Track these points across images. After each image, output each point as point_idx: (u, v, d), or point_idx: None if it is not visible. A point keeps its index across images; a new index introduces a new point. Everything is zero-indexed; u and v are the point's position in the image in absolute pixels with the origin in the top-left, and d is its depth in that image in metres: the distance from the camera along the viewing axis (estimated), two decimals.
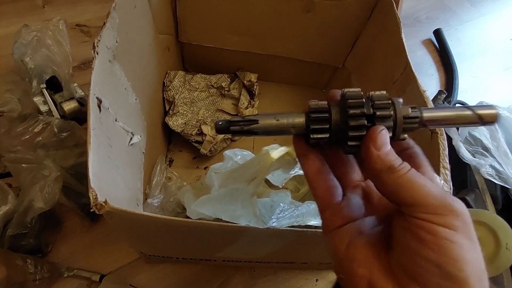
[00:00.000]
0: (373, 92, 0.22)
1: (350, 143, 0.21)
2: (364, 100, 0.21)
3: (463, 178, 0.55)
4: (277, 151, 0.30)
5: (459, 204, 0.19)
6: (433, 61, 0.87)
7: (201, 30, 0.58)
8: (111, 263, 0.48)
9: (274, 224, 0.28)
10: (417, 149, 0.23)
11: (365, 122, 0.21)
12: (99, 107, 0.32)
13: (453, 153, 0.54)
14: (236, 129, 0.22)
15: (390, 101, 0.21)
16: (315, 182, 0.22)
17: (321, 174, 0.22)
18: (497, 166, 0.52)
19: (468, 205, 0.51)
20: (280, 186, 0.38)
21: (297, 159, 0.33)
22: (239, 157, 0.36)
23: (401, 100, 0.22)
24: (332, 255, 0.22)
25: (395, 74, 0.47)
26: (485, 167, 0.51)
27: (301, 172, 0.39)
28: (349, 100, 0.21)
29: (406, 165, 0.20)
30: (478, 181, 0.53)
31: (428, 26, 0.93)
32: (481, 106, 0.22)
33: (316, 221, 0.31)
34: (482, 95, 0.82)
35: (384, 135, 0.20)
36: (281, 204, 0.29)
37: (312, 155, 0.23)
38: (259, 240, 0.29)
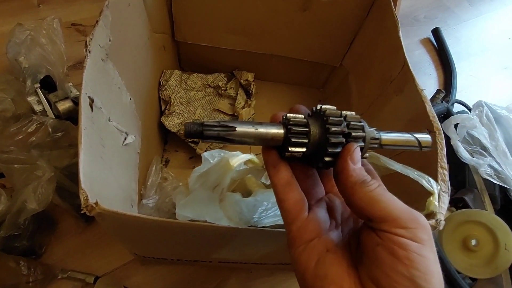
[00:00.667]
0: (345, 112, 0.23)
1: (326, 158, 0.22)
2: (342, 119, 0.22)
3: (462, 178, 0.55)
4: (237, 159, 0.30)
5: (423, 217, 0.20)
6: (431, 60, 0.87)
7: (197, 29, 0.57)
8: (106, 265, 0.47)
9: (255, 224, 0.27)
10: (371, 167, 0.25)
11: (344, 140, 0.22)
12: (91, 106, 0.31)
13: (452, 152, 0.53)
14: (211, 134, 0.20)
15: (362, 123, 0.23)
16: (284, 195, 0.22)
17: (290, 186, 0.22)
18: (496, 166, 0.51)
19: (467, 205, 0.51)
20: (267, 184, 0.37)
21: (257, 167, 0.33)
22: (216, 159, 0.36)
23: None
24: (300, 273, 0.21)
25: (392, 73, 0.46)
26: (483, 167, 0.51)
27: None
28: (331, 118, 0.22)
29: (375, 181, 0.21)
30: (477, 181, 0.53)
31: (426, 25, 0.93)
32: (421, 134, 0.25)
33: None
34: (480, 94, 0.82)
35: (358, 152, 0.22)
36: (264, 203, 0.28)
37: (282, 167, 0.22)
38: (253, 240, 0.29)
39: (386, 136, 0.24)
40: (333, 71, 0.67)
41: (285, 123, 0.22)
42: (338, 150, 0.22)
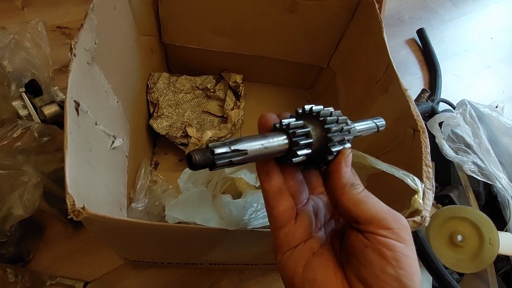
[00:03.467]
0: (331, 109, 0.23)
1: (329, 157, 0.22)
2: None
3: (447, 175, 0.56)
4: None
5: (403, 218, 0.21)
6: (416, 60, 0.89)
7: (184, 31, 0.57)
8: (96, 270, 0.47)
9: (244, 225, 0.27)
10: (354, 171, 0.25)
11: (343, 138, 0.22)
12: (77, 110, 0.31)
13: (437, 150, 0.54)
14: (224, 163, 0.19)
15: (347, 118, 0.24)
16: (275, 202, 0.22)
17: (281, 193, 0.22)
18: (480, 162, 0.53)
19: (452, 202, 0.52)
20: (256, 186, 0.37)
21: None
22: None
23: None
24: (289, 279, 0.22)
25: (378, 74, 0.47)
26: (467, 164, 0.52)
27: None
28: (328, 118, 0.22)
29: (361, 184, 0.22)
30: (461, 178, 0.54)
31: (411, 26, 0.95)
32: (378, 119, 0.28)
33: None
34: (464, 93, 0.84)
35: (351, 156, 0.22)
36: (254, 204, 0.29)
37: (274, 174, 0.22)
38: (243, 241, 0.29)
39: (359, 126, 0.26)
40: (320, 72, 0.68)
41: (284, 129, 0.22)
42: (340, 148, 0.22)
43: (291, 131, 0.21)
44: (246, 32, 0.58)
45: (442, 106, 0.75)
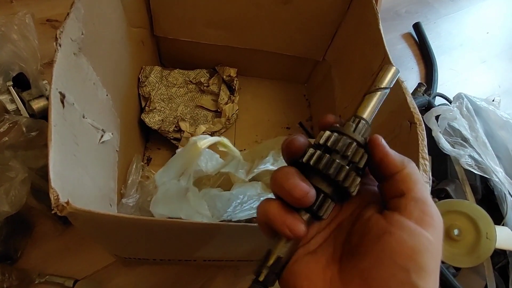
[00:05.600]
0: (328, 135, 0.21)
1: (353, 189, 0.20)
2: (328, 156, 0.20)
3: (444, 169, 0.55)
4: (205, 141, 0.29)
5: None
6: (412, 54, 0.88)
7: (177, 23, 0.56)
8: (86, 268, 0.46)
9: (228, 218, 0.27)
10: None
11: (347, 167, 0.20)
12: (62, 102, 0.30)
13: (433, 144, 0.54)
14: (272, 278, 0.20)
15: (353, 147, 0.21)
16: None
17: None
18: (476, 156, 0.52)
19: (449, 196, 0.51)
20: (247, 180, 0.36)
21: (232, 153, 0.32)
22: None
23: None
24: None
25: (373, 66, 0.46)
26: (464, 158, 0.51)
27: (271, 167, 0.38)
28: (330, 170, 0.20)
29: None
30: (458, 172, 0.54)
31: (407, 20, 0.94)
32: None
33: None
34: (460, 87, 0.83)
35: (382, 139, 0.21)
36: (240, 196, 0.28)
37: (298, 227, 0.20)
38: (235, 236, 0.28)
39: (369, 115, 0.22)
40: (316, 66, 0.67)
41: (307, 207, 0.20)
42: (356, 184, 0.20)
43: (313, 205, 0.20)
44: (240, 24, 0.57)
45: (438, 100, 0.75)
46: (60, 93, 0.30)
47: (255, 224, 0.26)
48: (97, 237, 0.32)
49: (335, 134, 0.21)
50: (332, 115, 0.23)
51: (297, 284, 0.20)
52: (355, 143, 0.21)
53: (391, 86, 0.22)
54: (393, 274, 0.17)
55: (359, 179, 0.20)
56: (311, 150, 0.21)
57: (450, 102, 0.71)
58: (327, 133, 0.21)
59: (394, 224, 0.18)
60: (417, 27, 0.91)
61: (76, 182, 0.30)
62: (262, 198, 0.33)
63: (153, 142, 0.59)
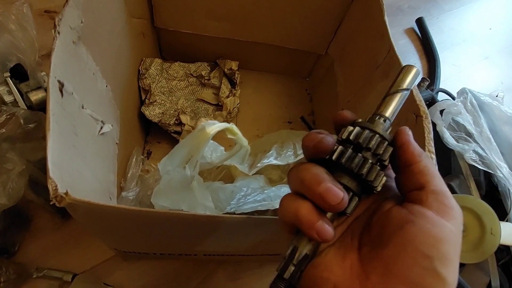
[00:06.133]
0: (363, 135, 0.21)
1: (378, 184, 0.20)
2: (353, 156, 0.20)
3: (447, 164, 0.55)
4: (214, 127, 0.28)
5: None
6: (415, 49, 0.87)
7: (177, 14, 0.55)
8: (85, 262, 0.45)
9: (231, 210, 0.26)
10: None
11: (377, 166, 0.20)
12: (61, 91, 0.29)
13: (437, 139, 0.53)
14: (298, 276, 0.20)
15: (378, 140, 0.21)
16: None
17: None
18: (480, 151, 0.51)
19: (453, 191, 0.51)
20: (250, 174, 0.35)
21: (241, 142, 0.31)
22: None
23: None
24: None
25: (378, 59, 0.46)
26: (468, 153, 0.51)
27: (275, 162, 0.37)
28: (353, 164, 0.20)
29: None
30: (462, 167, 0.53)
31: (410, 15, 0.93)
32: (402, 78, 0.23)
33: None
34: (463, 83, 0.82)
35: (410, 131, 0.21)
36: (243, 189, 0.27)
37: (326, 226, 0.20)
38: (238, 229, 0.27)
39: (391, 114, 0.22)
40: (318, 60, 0.66)
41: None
42: (380, 178, 0.20)
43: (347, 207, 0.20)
44: (242, 16, 0.56)
45: (440, 96, 0.74)
46: (59, 81, 0.29)
47: (259, 217, 0.26)
48: (96, 230, 0.31)
49: (367, 130, 0.21)
50: (349, 111, 0.23)
51: (317, 275, 0.19)
52: (386, 142, 0.20)
53: (412, 87, 0.23)
54: (416, 261, 0.17)
55: (385, 178, 0.20)
56: (340, 148, 0.20)
57: (453, 98, 0.70)
58: (357, 128, 0.21)
59: (416, 214, 0.19)
60: (420, 22, 0.90)
61: (75, 174, 0.29)
62: (265, 191, 0.32)
63: (153, 135, 0.58)
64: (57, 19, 0.31)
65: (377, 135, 0.20)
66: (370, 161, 0.20)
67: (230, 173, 0.44)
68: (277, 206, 0.30)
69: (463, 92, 0.57)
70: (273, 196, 0.29)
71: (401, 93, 0.22)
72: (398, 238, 0.18)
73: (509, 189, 0.51)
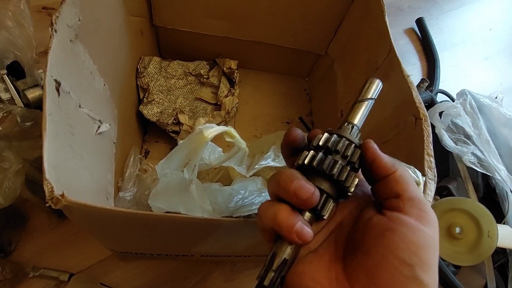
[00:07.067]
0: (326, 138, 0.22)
1: (352, 189, 0.21)
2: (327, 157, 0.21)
3: (446, 166, 0.55)
4: (212, 130, 0.28)
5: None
6: (415, 50, 0.87)
7: (176, 12, 0.54)
8: (82, 262, 0.45)
9: (230, 213, 0.26)
10: None
11: (348, 167, 0.21)
12: (58, 90, 0.29)
13: (436, 141, 0.53)
14: (278, 282, 0.20)
15: (347, 146, 0.22)
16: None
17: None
18: (479, 154, 0.51)
19: (451, 194, 0.51)
20: (248, 176, 0.35)
21: (239, 145, 0.31)
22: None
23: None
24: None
25: (378, 60, 0.45)
26: (467, 155, 0.51)
27: (273, 164, 0.37)
28: (325, 164, 0.21)
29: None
30: (460, 169, 0.53)
31: (410, 16, 0.93)
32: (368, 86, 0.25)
33: None
34: (462, 84, 0.82)
35: (375, 145, 0.22)
36: (241, 191, 0.27)
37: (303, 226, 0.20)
38: (235, 232, 0.27)
39: (358, 120, 0.24)
40: (318, 60, 0.66)
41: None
42: (352, 179, 0.21)
43: (315, 207, 0.21)
44: (242, 15, 0.55)
45: (440, 97, 0.74)
46: (56, 80, 0.28)
47: (256, 220, 0.25)
48: (93, 231, 0.31)
49: (335, 135, 0.22)
50: (318, 129, 0.24)
51: (302, 285, 0.19)
52: (353, 144, 0.22)
53: (376, 97, 0.25)
54: (398, 269, 0.18)
55: (357, 179, 0.21)
56: (311, 153, 0.22)
57: (452, 100, 0.70)
58: (326, 135, 0.22)
59: (395, 222, 0.19)
60: (419, 22, 0.90)
61: (71, 174, 0.29)
62: (263, 194, 0.32)
63: (151, 135, 0.58)
64: (54, 17, 0.30)
65: (344, 139, 0.22)
66: (339, 162, 0.21)
67: (228, 173, 0.44)
68: None
69: (462, 93, 0.56)
70: None
71: (366, 102, 0.24)
72: (379, 246, 0.18)
73: (506, 192, 0.51)
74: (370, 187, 0.23)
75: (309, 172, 0.21)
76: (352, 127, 0.23)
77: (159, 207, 0.27)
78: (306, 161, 0.21)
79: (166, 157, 0.30)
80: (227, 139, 0.30)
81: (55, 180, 0.24)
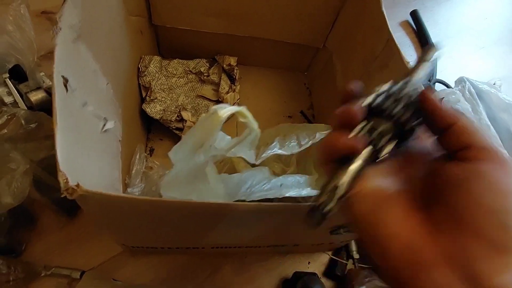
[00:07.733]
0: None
1: (409, 126, 0.21)
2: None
3: None
4: (226, 110, 0.28)
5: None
6: (411, 42, 0.87)
7: (175, 11, 0.55)
8: (93, 259, 0.45)
9: (243, 198, 0.26)
10: None
11: (409, 109, 0.21)
12: (66, 86, 0.29)
13: None
14: (331, 206, 0.20)
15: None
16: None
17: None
18: None
19: None
20: (257, 163, 0.35)
21: (251, 125, 0.32)
22: None
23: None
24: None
25: (376, 50, 0.46)
26: None
27: (280, 151, 0.37)
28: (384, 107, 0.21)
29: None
30: None
31: (404, 8, 0.93)
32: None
33: (294, 192, 0.29)
34: (459, 74, 0.82)
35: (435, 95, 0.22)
36: (248, 181, 0.27)
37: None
38: (246, 218, 0.28)
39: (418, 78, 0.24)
40: (316, 54, 0.66)
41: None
42: (410, 116, 0.21)
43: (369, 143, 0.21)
44: (239, 11, 0.56)
45: (437, 87, 0.74)
46: (63, 77, 0.29)
47: (270, 203, 0.26)
48: (105, 223, 0.31)
49: (395, 86, 0.22)
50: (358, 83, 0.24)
51: (384, 231, 0.19)
52: (417, 91, 0.22)
53: (432, 60, 0.25)
54: (486, 218, 0.17)
55: (419, 125, 0.21)
56: (373, 95, 0.22)
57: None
58: (391, 81, 0.23)
59: (476, 173, 0.19)
60: (414, 14, 0.90)
61: (82, 170, 0.29)
62: (272, 181, 0.32)
63: (155, 133, 0.58)
64: (57, 16, 0.31)
65: (406, 87, 0.22)
66: (402, 104, 0.21)
67: (233, 167, 0.45)
68: (285, 194, 0.30)
69: (461, 80, 0.57)
70: (280, 185, 0.30)
71: (426, 62, 0.24)
72: (465, 197, 0.18)
73: None
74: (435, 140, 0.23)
75: (371, 115, 0.22)
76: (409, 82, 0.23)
77: (172, 196, 0.28)
78: (369, 100, 0.22)
79: (179, 142, 0.30)
80: (240, 119, 0.31)
81: (69, 171, 0.24)
